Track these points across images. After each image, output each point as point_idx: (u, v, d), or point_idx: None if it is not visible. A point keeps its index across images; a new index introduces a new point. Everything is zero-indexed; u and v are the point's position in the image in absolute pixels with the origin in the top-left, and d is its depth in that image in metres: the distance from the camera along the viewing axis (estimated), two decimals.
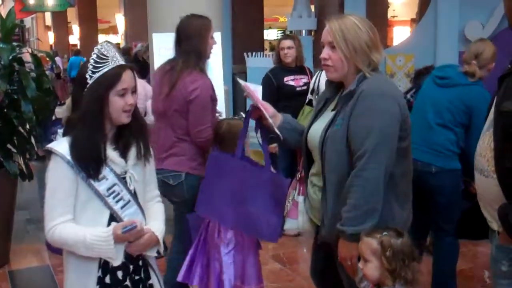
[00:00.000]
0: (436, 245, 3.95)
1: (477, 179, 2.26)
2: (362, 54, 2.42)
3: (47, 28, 28.24)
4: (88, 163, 2.18)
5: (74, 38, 26.32)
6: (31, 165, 5.07)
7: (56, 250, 2.25)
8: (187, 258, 3.23)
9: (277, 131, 2.63)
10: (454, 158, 3.72)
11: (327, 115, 2.58)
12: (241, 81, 2.77)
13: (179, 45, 3.48)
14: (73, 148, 2.17)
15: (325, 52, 2.48)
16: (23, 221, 6.05)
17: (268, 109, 2.67)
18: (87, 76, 2.17)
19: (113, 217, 2.23)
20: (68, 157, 2.16)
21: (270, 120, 2.62)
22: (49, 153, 2.19)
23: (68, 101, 4.49)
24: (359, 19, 2.47)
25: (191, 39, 3.42)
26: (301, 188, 2.73)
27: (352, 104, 2.38)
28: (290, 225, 2.73)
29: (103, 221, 2.22)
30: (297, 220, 2.70)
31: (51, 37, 26.81)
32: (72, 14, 25.08)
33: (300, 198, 2.71)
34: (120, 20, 19.12)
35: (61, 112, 5.01)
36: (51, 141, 6.59)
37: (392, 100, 2.39)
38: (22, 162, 4.89)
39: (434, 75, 3.91)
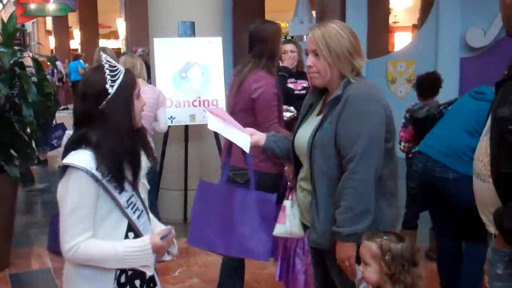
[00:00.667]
0: (465, 251, 3.94)
1: (475, 183, 2.29)
2: (345, 60, 2.49)
3: (48, 32, 28.30)
4: (121, 174, 2.12)
5: (75, 43, 26.38)
6: (32, 169, 5.07)
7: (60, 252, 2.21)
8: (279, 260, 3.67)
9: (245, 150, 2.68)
10: (471, 164, 3.73)
11: (313, 120, 2.63)
12: (208, 112, 2.78)
13: (252, 48, 3.71)
14: (106, 160, 2.08)
15: (310, 60, 2.55)
16: (24, 224, 6.05)
17: (245, 130, 2.75)
18: (107, 87, 2.10)
19: (130, 228, 2.20)
20: (93, 170, 2.07)
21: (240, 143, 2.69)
22: (64, 168, 2.10)
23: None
24: (340, 26, 2.54)
25: (265, 43, 3.65)
26: (290, 193, 2.78)
27: (340, 109, 2.45)
28: (279, 230, 2.75)
29: (121, 232, 2.18)
30: (285, 225, 2.73)
31: (52, 41, 26.86)
32: (73, 19, 25.13)
33: (288, 203, 2.75)
34: (121, 25, 19.14)
35: (63, 117, 5.02)
36: (52, 145, 6.65)
37: (377, 103, 2.47)
38: (23, 166, 4.88)
39: (472, 90, 4.00)
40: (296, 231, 2.74)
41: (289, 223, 2.72)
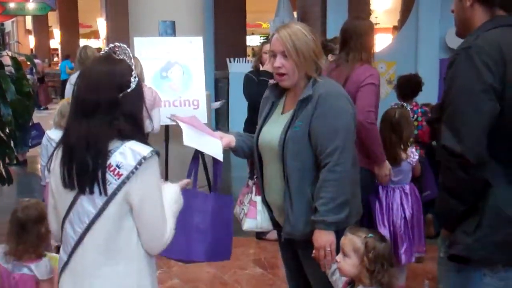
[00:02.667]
0: None
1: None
2: (311, 61, 2.59)
3: (28, 32, 28.05)
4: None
5: (55, 42, 26.16)
6: (11, 170, 5.01)
7: None
8: None
9: (218, 157, 2.70)
10: None
11: (278, 119, 2.73)
12: (176, 119, 2.78)
13: (347, 43, 3.81)
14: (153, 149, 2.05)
15: (278, 61, 2.60)
16: (4, 223, 5.97)
17: (215, 134, 2.80)
18: (132, 80, 2.04)
19: None
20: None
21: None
22: (143, 160, 1.99)
23: (61, 106, 4.44)
24: (303, 27, 2.63)
25: (362, 37, 3.78)
26: (257, 189, 2.85)
27: (311, 107, 2.55)
28: (249, 224, 2.82)
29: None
30: (256, 220, 2.81)
31: (31, 41, 26.62)
32: (53, 18, 24.92)
33: (258, 198, 2.82)
34: (101, 25, 19.06)
35: (43, 117, 4.97)
36: (29, 145, 6.57)
37: (346, 100, 2.62)
38: (1, 166, 4.83)
39: None
40: (265, 225, 2.83)
41: (259, 217, 2.81)
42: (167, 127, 5.66)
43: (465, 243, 2.12)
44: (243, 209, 2.88)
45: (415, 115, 4.95)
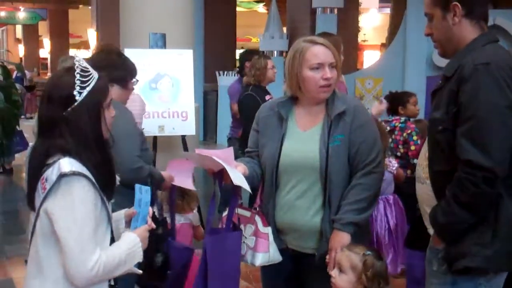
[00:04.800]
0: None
1: (417, 188, 2.45)
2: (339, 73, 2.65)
3: (18, 41, 27.95)
4: (110, 184, 2.02)
5: (45, 52, 26.09)
6: None
7: None
8: None
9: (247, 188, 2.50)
10: None
11: (299, 136, 2.62)
12: (199, 153, 2.62)
13: None
14: (95, 169, 1.94)
15: (329, 73, 2.56)
16: None
17: (231, 162, 2.54)
18: (75, 93, 1.93)
19: (112, 241, 2.05)
20: (93, 179, 1.92)
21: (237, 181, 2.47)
22: (61, 177, 1.88)
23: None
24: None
25: None
26: (263, 219, 2.65)
27: (350, 120, 2.55)
28: (263, 259, 2.59)
29: (106, 245, 2.01)
30: (269, 253, 2.60)
31: (21, 50, 26.53)
32: (43, 27, 24.88)
33: (268, 229, 2.61)
34: (92, 35, 19.03)
35: (30, 126, 4.97)
36: (15, 153, 6.54)
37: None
38: None
39: None
40: (276, 257, 2.61)
41: (272, 250, 2.61)
42: (155, 138, 5.67)
43: (483, 255, 2.11)
44: (244, 242, 2.63)
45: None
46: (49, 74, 17.56)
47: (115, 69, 3.08)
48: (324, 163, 2.51)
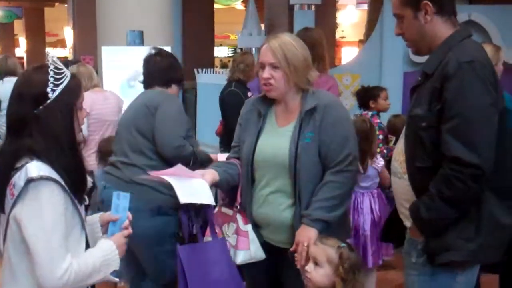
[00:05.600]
0: None
1: (393, 182, 2.49)
2: (302, 73, 2.57)
3: None
4: (82, 186, 1.97)
5: (21, 51, 25.78)
6: None
7: None
8: None
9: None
10: None
11: (275, 132, 2.65)
12: (157, 175, 2.58)
13: None
14: (65, 172, 1.88)
15: (267, 72, 2.56)
16: None
17: (195, 174, 2.58)
18: (49, 91, 1.88)
19: (88, 245, 2.02)
20: (62, 182, 1.87)
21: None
22: (28, 182, 1.82)
23: None
24: (294, 38, 2.64)
25: (314, 48, 3.55)
26: (243, 216, 2.69)
27: (320, 117, 2.54)
28: (244, 257, 2.63)
29: (82, 250, 1.97)
30: (250, 250, 2.64)
31: None
32: (19, 26, 24.58)
33: (248, 227, 2.66)
34: (68, 33, 18.86)
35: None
36: None
37: (346, 110, 2.74)
38: None
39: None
40: (259, 254, 2.65)
41: (253, 247, 2.64)
42: None
43: (468, 249, 2.16)
44: (227, 240, 2.66)
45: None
46: None
47: (175, 71, 3.53)
48: (293, 160, 2.54)
